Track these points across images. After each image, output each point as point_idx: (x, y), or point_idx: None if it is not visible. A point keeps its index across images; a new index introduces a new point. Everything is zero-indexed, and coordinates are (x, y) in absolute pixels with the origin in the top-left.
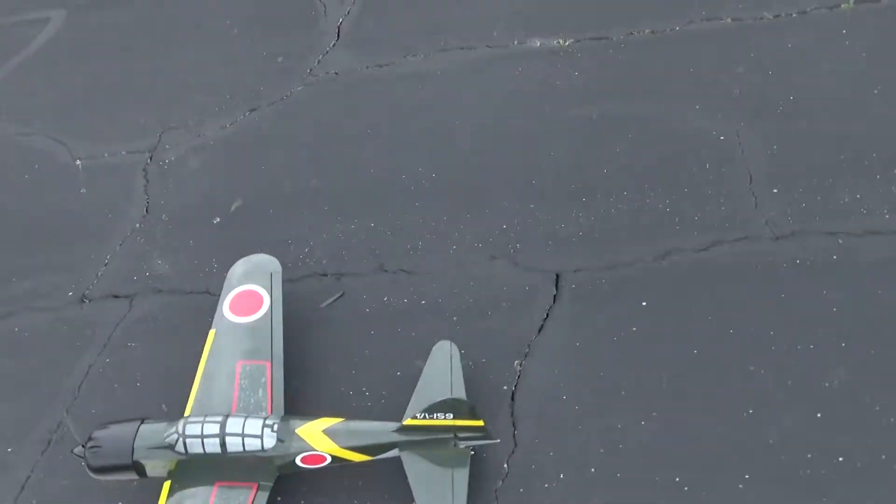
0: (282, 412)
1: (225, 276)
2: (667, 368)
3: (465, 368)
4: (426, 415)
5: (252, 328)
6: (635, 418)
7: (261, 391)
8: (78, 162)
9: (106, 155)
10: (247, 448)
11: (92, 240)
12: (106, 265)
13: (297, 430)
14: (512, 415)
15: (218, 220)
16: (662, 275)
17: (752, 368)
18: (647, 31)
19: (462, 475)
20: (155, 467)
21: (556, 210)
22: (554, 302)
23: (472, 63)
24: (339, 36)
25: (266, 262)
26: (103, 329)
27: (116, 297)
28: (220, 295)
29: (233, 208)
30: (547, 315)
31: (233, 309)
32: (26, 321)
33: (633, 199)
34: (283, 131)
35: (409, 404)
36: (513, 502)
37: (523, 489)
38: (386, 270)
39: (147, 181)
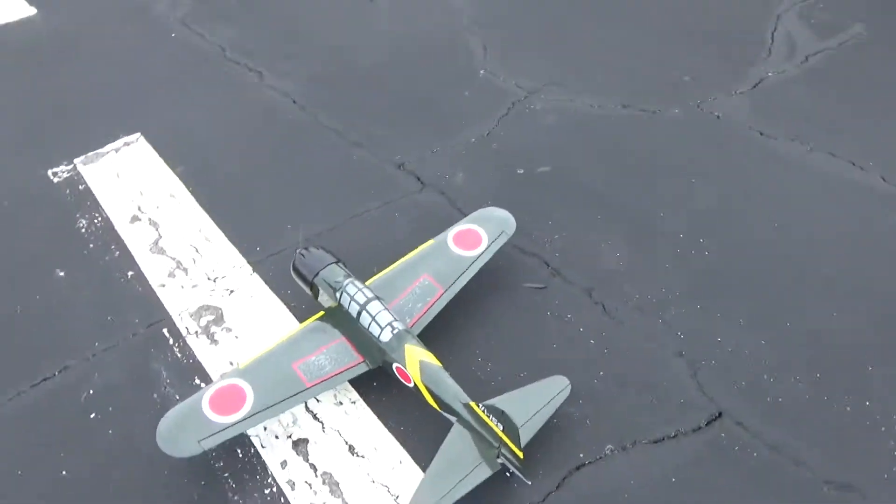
0: (412, 328)
1: (480, 213)
2: None
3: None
4: (490, 414)
5: (455, 258)
6: None
7: (420, 305)
8: None
9: None
10: (369, 328)
11: None
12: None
13: (405, 345)
14: (560, 484)
15: (521, 171)
16: None
17: None
18: None
19: (478, 477)
20: (321, 297)
21: None
22: None
23: None
24: None
25: (506, 218)
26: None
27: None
28: (458, 221)
29: (540, 170)
30: None
31: (455, 238)
32: None
33: None
34: None
35: (493, 399)
36: None
37: None
38: (594, 301)
39: None
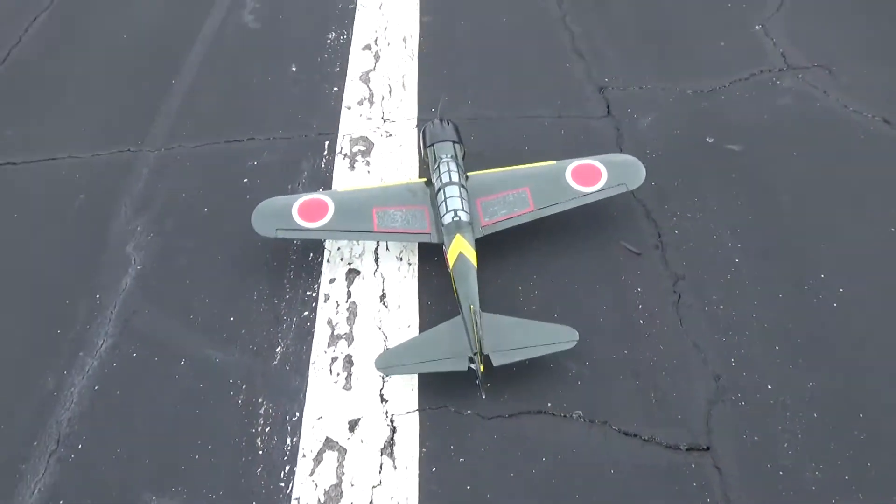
0: (484, 227)
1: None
2: None
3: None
4: (481, 325)
5: (563, 187)
6: None
7: (504, 211)
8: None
9: None
10: (439, 207)
11: None
12: None
13: (457, 234)
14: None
15: (710, 140)
16: None
17: None
18: None
19: (444, 366)
20: (429, 166)
21: None
22: None
23: None
24: None
25: (636, 171)
26: None
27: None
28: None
29: (728, 146)
30: None
31: (575, 170)
32: None
33: None
34: None
35: (500, 315)
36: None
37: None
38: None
39: None
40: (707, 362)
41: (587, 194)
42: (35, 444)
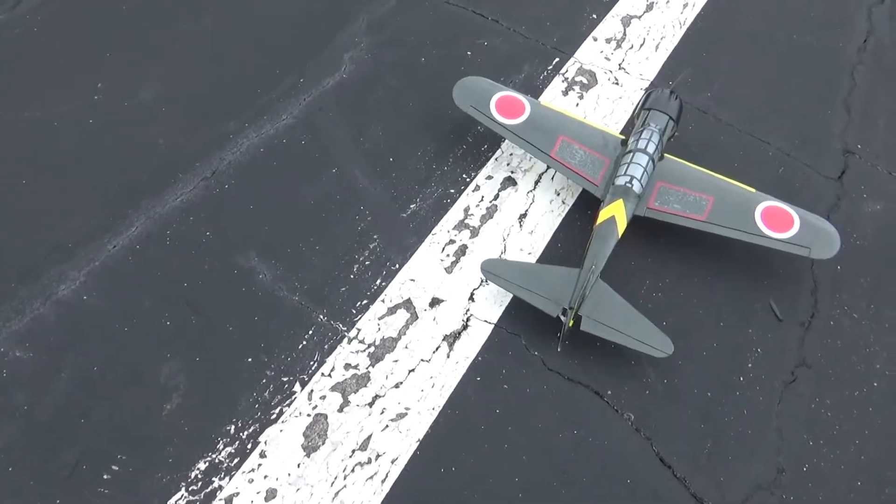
0: (649, 208)
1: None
2: None
3: None
4: (593, 292)
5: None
6: None
7: (677, 206)
8: None
9: None
10: (620, 166)
11: None
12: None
13: (618, 199)
14: (571, 379)
15: None
16: None
17: None
18: None
19: (538, 301)
20: (634, 123)
21: None
22: None
23: None
24: None
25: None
26: None
27: None
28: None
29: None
30: None
31: (768, 210)
32: None
33: None
34: None
35: (614, 292)
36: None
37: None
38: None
39: None
40: (780, 452)
41: (766, 237)
42: (197, 164)
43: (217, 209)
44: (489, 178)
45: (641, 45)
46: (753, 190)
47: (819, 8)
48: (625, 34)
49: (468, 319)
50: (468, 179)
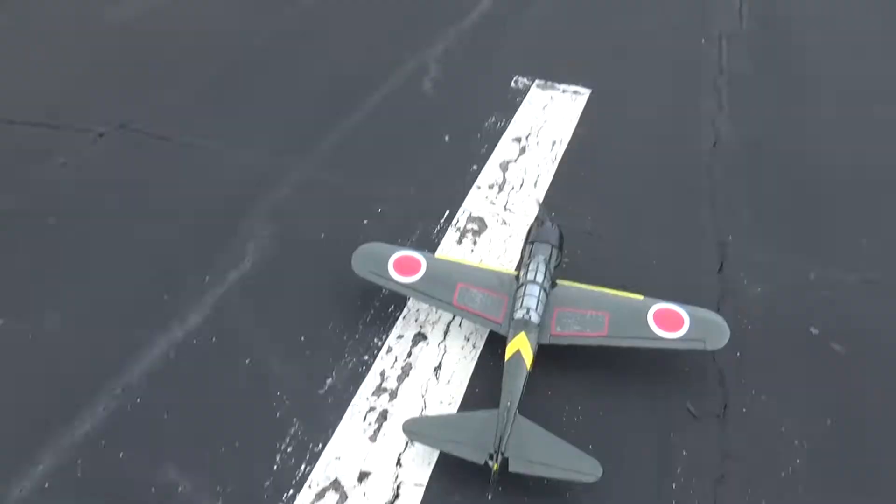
0: (552, 336)
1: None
2: None
3: None
4: (513, 430)
5: (641, 325)
6: None
7: (577, 328)
8: None
9: None
10: (516, 301)
11: None
12: None
13: (521, 332)
14: None
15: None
16: None
17: None
18: None
19: (463, 452)
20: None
21: None
22: None
23: None
24: None
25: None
26: None
27: None
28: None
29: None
30: None
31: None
32: None
33: None
34: None
35: (534, 424)
36: None
37: None
38: None
39: None
40: None
41: (663, 339)
42: (104, 383)
43: (130, 426)
44: (400, 337)
45: (521, 185)
46: (641, 297)
47: (670, 125)
48: (504, 178)
49: (399, 487)
50: (380, 343)
